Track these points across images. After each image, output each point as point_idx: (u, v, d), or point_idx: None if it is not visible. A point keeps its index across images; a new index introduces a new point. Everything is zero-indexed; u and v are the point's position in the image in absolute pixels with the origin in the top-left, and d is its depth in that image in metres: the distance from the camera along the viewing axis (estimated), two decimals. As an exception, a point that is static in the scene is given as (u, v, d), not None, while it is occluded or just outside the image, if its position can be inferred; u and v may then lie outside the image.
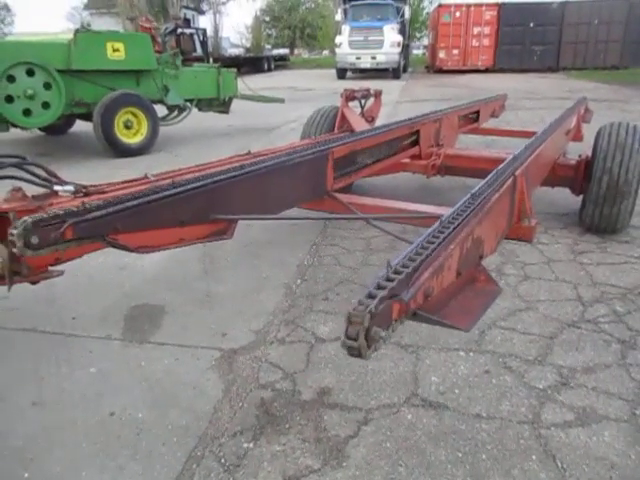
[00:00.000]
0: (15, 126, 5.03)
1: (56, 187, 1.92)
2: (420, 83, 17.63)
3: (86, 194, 1.92)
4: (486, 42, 22.64)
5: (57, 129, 6.79)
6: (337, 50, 19.62)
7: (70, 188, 1.93)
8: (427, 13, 42.31)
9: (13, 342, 2.11)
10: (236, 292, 2.54)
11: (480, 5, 22.34)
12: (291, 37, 56.24)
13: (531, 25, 22.10)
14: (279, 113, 8.96)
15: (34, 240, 1.29)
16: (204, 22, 41.25)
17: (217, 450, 1.53)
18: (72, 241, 1.40)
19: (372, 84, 19.26)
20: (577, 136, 4.55)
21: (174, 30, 18.39)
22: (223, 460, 1.49)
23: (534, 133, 4.13)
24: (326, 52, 62.57)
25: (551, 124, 3.28)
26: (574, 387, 1.79)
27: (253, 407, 1.72)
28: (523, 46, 22.50)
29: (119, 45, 5.34)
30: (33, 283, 1.79)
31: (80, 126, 6.79)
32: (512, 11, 22.12)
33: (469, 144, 5.45)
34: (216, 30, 40.85)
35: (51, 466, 1.47)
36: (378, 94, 4.28)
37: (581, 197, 3.26)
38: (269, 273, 2.74)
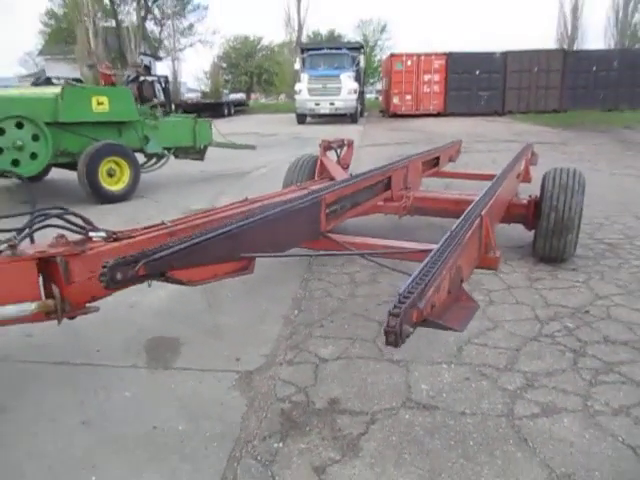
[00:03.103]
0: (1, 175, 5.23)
1: (91, 233, 2.23)
2: (377, 127, 18.55)
3: (116, 239, 2.23)
4: (436, 88, 24.05)
5: (34, 177, 6.95)
6: (297, 97, 20.45)
7: (102, 234, 2.24)
8: (379, 60, 44.53)
9: (48, 374, 2.34)
10: (241, 323, 2.84)
11: (429, 55, 23.85)
12: (248, 82, 57.59)
13: (477, 73, 23.69)
14: (248, 159, 9.34)
15: (119, 277, 1.58)
16: (162, 68, 41.90)
17: (252, 450, 1.82)
18: (144, 277, 1.70)
19: (331, 129, 20.16)
20: (526, 178, 5.12)
21: (136, 78, 18.91)
22: (259, 458, 1.79)
23: (488, 175, 4.67)
24: (282, 97, 64.43)
25: (504, 169, 3.79)
26: (538, 387, 2.18)
27: (276, 416, 2.02)
28: (470, 92, 24.00)
29: (103, 99, 5.67)
30: (71, 318, 2.08)
31: (55, 173, 6.98)
32: (459, 60, 23.71)
33: (430, 186, 5.97)
34: (175, 76, 41.51)
35: (114, 470, 1.73)
36: (350, 144, 4.74)
37: (533, 232, 3.76)
38: (268, 306, 3.06)
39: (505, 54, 23.59)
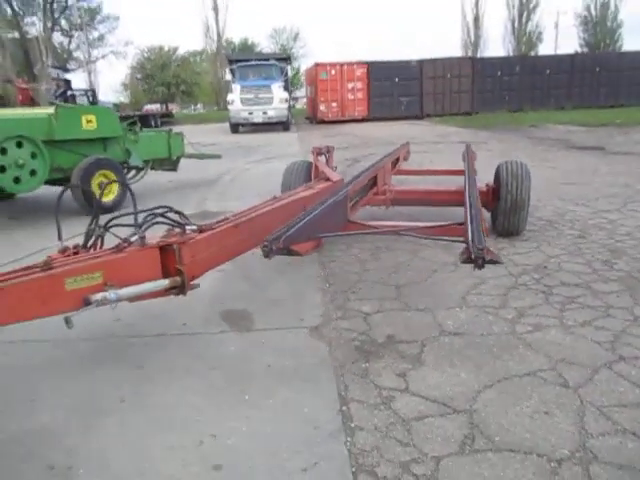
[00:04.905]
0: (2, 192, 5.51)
1: (187, 227, 2.85)
2: (311, 134, 19.46)
3: (201, 231, 2.87)
4: (360, 95, 25.45)
5: (5, 196, 7.10)
6: (230, 107, 20.96)
7: (194, 227, 2.86)
8: (293, 68, 45.51)
9: (154, 343, 2.91)
10: (287, 296, 3.52)
11: (351, 64, 25.22)
12: (165, 93, 56.69)
13: (396, 80, 25.35)
14: (207, 168, 9.79)
15: (274, 249, 2.25)
16: (76, 80, 40.49)
17: (348, 370, 2.53)
18: (282, 250, 2.37)
19: (267, 136, 20.89)
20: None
21: (64, 92, 18.89)
22: (355, 373, 2.50)
23: (440, 171, 5.62)
24: (199, 106, 64.17)
25: (468, 167, 4.73)
26: (527, 316, 3.05)
27: (352, 350, 2.74)
28: (392, 97, 25.63)
29: (91, 117, 6.06)
30: (184, 293, 2.68)
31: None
32: (379, 68, 25.27)
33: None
34: (91, 88, 40.33)
35: (258, 391, 2.38)
36: (331, 149, 5.52)
37: (490, 214, 4.71)
38: (301, 283, 3.75)
39: (421, 62, 25.45)
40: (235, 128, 21.21)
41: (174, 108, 57.05)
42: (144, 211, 2.71)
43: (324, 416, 2.17)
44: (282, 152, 13.11)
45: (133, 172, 7.12)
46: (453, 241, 2.81)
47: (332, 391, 2.36)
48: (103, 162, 6.13)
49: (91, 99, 21.06)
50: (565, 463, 1.85)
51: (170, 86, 56.05)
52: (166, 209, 2.79)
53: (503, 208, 4.45)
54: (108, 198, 6.22)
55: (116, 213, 2.66)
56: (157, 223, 2.70)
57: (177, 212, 2.85)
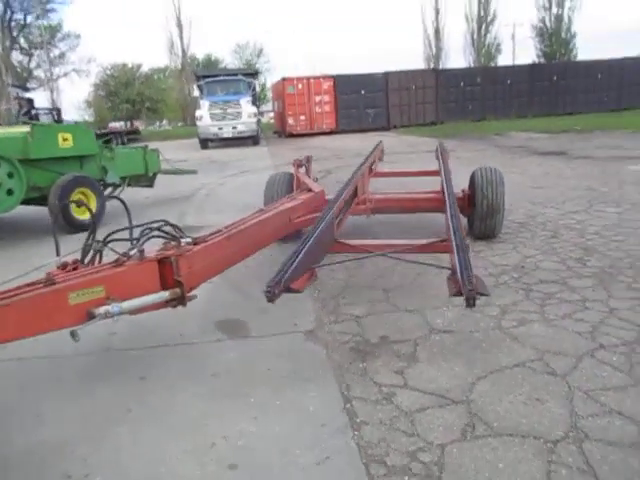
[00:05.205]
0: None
1: (182, 240, 2.91)
2: (281, 147, 19.61)
3: (195, 244, 2.93)
4: (327, 108, 25.76)
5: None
6: (199, 123, 20.93)
7: (189, 240, 2.93)
8: (265, 85, 45.77)
9: (155, 354, 2.95)
10: (278, 305, 3.57)
11: (318, 77, 25.57)
12: (130, 110, 56.08)
13: (363, 92, 25.78)
14: (182, 183, 9.75)
15: (277, 292, 2.34)
16: (39, 99, 39.68)
17: (347, 370, 2.63)
18: (283, 291, 2.47)
19: (238, 151, 20.87)
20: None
21: (28, 111, 18.62)
22: (354, 372, 2.60)
23: (413, 172, 5.84)
24: (164, 123, 63.64)
25: (446, 169, 4.92)
26: (510, 312, 3.21)
27: (348, 351, 2.83)
28: (358, 110, 26.03)
29: (68, 135, 6.04)
30: (183, 304, 2.74)
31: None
32: (345, 81, 25.67)
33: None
34: (54, 106, 39.63)
35: (262, 394, 2.45)
36: (310, 159, 5.63)
37: (467, 218, 4.89)
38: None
39: (386, 74, 25.98)
40: (205, 144, 21.18)
41: (139, 125, 56.43)
42: (141, 225, 2.77)
43: (329, 414, 2.26)
44: (255, 166, 13.19)
45: (110, 189, 7.09)
46: (442, 267, 2.95)
47: (334, 390, 2.45)
48: (81, 180, 6.10)
49: (56, 118, 20.71)
50: (560, 443, 1.98)
51: (135, 103, 55.55)
52: (162, 223, 2.86)
53: (480, 213, 4.64)
54: (87, 216, 6.19)
55: (114, 228, 2.70)
56: (154, 237, 2.76)
57: (172, 225, 2.91)
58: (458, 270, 2.38)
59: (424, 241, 3.53)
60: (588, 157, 10.86)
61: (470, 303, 2.20)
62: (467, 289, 2.18)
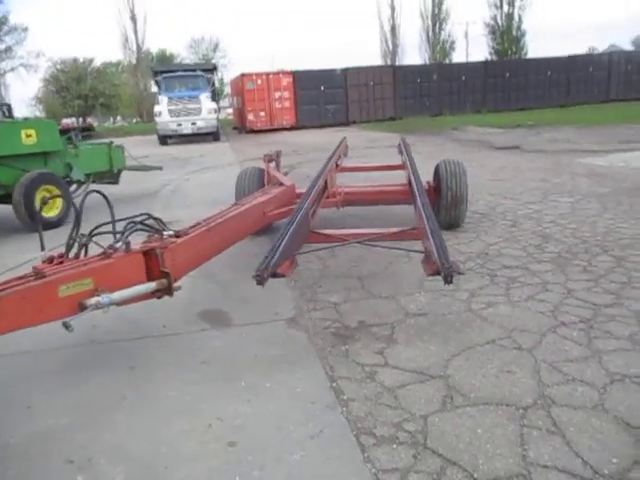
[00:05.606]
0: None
1: (165, 232, 2.98)
2: (243, 143, 19.52)
3: (178, 236, 3.01)
4: (287, 104, 25.77)
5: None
6: (157, 119, 20.60)
7: (171, 232, 3.00)
8: (222, 80, 45.30)
9: (140, 345, 3.01)
10: (257, 295, 3.67)
11: (277, 73, 25.55)
12: (83, 106, 54.37)
13: (322, 88, 25.92)
14: (146, 180, 9.65)
15: (266, 276, 2.45)
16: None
17: (330, 352, 2.77)
18: (270, 276, 2.57)
19: (198, 147, 20.69)
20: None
21: (-23, 107, 17.46)
22: (337, 355, 2.74)
23: (375, 167, 6.03)
24: (119, 119, 62.00)
25: (412, 162, 5.11)
26: (478, 295, 3.42)
27: (330, 335, 2.98)
28: (318, 106, 26.15)
29: (31, 131, 5.92)
30: (170, 294, 2.82)
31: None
32: (304, 77, 25.73)
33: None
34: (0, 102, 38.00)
35: (253, 378, 2.56)
36: (280, 153, 5.73)
37: (432, 209, 5.10)
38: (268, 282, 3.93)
39: (345, 71, 26.19)
40: (164, 140, 20.85)
41: (93, 121, 54.77)
42: (124, 219, 2.83)
43: (317, 393, 2.40)
44: (218, 162, 13.15)
45: (74, 186, 6.98)
46: (416, 251, 3.14)
47: (320, 371, 2.59)
48: (45, 177, 6.01)
49: (7, 114, 19.89)
50: (530, 409, 2.18)
51: (87, 99, 53.86)
52: (146, 216, 2.92)
53: (445, 203, 4.86)
54: (53, 213, 6.11)
55: (100, 222, 2.74)
56: (138, 230, 2.81)
57: (155, 219, 2.98)
58: (435, 251, 2.55)
59: (395, 229, 3.71)
60: (541, 151, 11.35)
61: (448, 280, 2.39)
62: (445, 267, 2.36)
